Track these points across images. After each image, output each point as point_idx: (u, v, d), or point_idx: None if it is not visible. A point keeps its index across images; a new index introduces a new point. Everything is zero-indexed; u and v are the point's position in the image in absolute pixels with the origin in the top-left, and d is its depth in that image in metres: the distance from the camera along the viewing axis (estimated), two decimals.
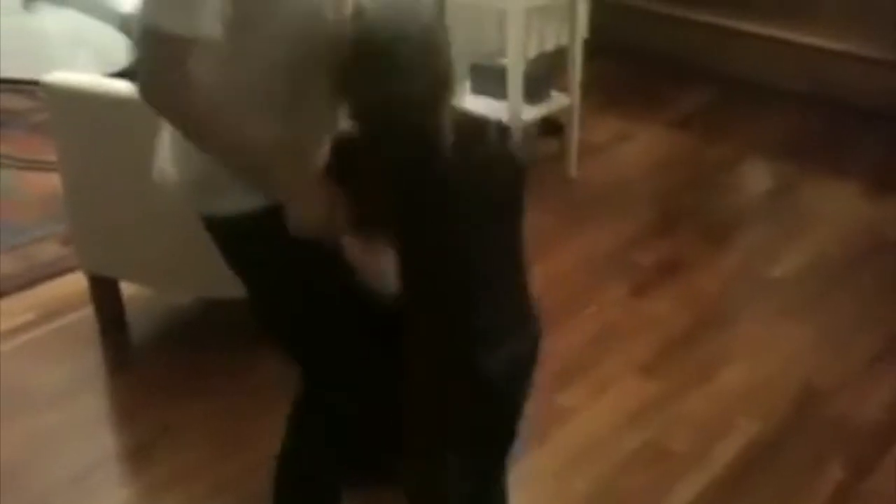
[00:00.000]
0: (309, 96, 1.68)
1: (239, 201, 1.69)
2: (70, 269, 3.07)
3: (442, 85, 1.58)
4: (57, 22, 4.25)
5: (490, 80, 3.62)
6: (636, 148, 4.04)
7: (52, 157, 2.86)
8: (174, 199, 1.80)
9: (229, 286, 2.00)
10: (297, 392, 2.01)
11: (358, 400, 1.96)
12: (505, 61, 3.54)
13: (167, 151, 1.77)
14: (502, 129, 1.72)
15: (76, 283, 2.99)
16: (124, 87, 2.45)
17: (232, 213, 1.71)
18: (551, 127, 3.92)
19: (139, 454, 2.52)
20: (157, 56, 1.52)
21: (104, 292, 2.90)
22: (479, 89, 3.66)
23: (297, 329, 1.85)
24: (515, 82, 3.50)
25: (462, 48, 3.76)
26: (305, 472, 2.08)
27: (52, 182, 2.97)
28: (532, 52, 4.50)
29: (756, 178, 3.99)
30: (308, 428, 2.01)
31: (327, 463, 2.05)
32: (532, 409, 2.54)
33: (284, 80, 1.64)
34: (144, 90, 1.55)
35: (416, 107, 1.56)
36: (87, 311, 2.93)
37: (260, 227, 1.71)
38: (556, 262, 3.19)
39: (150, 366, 2.84)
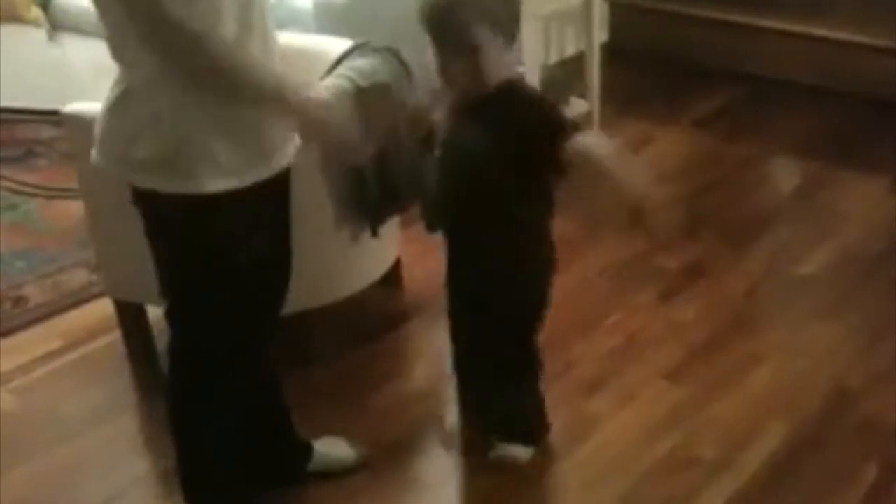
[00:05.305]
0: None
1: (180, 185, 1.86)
2: (98, 296, 3.11)
3: None
4: (80, 51, 4.29)
5: None
6: (658, 151, 4.01)
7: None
8: (109, 170, 1.97)
9: None
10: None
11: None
12: (521, 69, 3.53)
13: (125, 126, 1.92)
14: None
15: (104, 309, 3.01)
16: None
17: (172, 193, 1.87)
18: None
19: (169, 479, 2.52)
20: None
21: (131, 318, 2.93)
22: None
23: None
24: None
25: None
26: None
27: (79, 210, 3.01)
28: (552, 59, 4.50)
29: (781, 177, 3.95)
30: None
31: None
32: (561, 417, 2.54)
33: None
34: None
35: None
36: (116, 337, 2.96)
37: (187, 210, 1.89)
38: (580, 270, 3.17)
39: None
